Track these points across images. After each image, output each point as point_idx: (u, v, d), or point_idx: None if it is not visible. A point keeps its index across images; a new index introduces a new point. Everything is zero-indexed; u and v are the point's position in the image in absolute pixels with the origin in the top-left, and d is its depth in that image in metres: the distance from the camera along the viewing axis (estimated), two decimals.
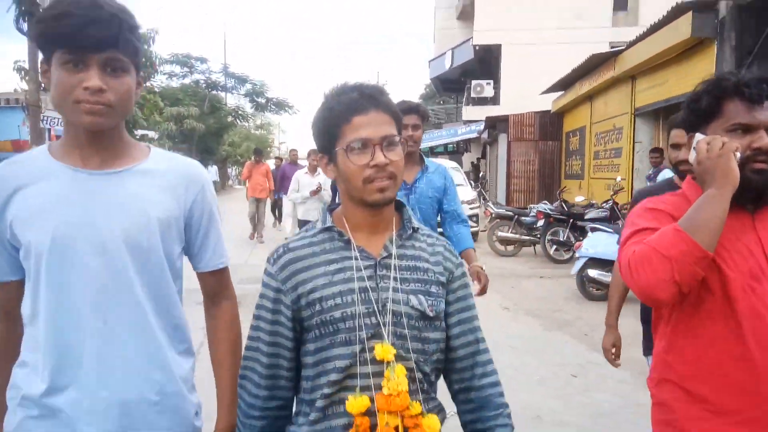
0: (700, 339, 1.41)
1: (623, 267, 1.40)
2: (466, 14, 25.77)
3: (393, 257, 1.26)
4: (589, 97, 12.42)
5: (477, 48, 23.03)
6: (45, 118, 13.11)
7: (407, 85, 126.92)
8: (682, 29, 7.34)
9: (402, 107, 2.53)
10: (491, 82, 22.94)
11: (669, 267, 1.29)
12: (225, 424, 1.39)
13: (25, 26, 11.39)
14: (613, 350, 2.48)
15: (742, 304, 1.35)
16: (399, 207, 1.35)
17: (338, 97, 1.26)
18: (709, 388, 1.39)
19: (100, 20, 1.15)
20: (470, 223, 9.91)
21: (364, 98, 1.23)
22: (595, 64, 10.79)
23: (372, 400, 1.16)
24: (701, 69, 7.35)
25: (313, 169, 7.41)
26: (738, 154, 1.34)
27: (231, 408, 1.38)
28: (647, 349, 2.48)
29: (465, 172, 17.93)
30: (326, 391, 1.20)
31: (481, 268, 2.91)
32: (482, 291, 2.88)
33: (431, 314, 1.24)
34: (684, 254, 1.28)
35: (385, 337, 1.20)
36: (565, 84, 13.51)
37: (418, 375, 1.22)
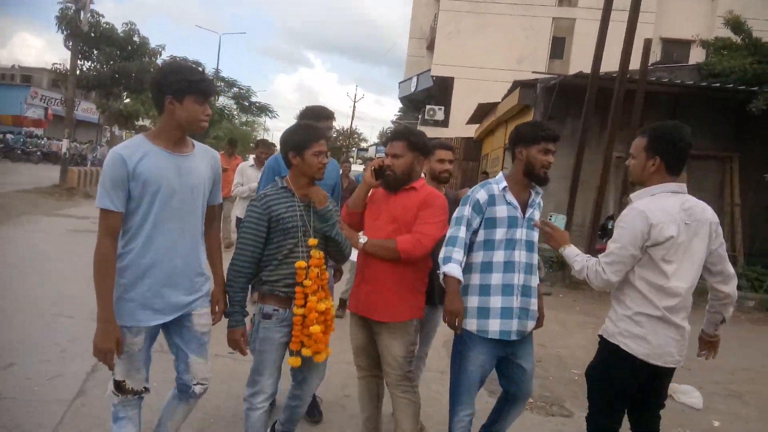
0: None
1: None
2: (433, 46, 29.49)
3: (312, 201, 2.55)
4: (491, 131, 16.35)
5: (434, 78, 26.91)
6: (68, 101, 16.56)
7: (387, 100, 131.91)
8: (515, 98, 11.27)
9: (327, 113, 3.31)
10: (442, 107, 26.70)
11: (349, 220, 2.82)
12: (220, 279, 2.49)
13: (70, 44, 15.03)
14: None
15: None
16: None
17: (315, 124, 2.66)
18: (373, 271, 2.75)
19: (211, 81, 2.25)
20: None
21: (322, 132, 2.57)
22: (487, 109, 14.74)
23: (306, 262, 2.46)
24: None
25: (261, 163, 7.06)
26: (375, 168, 2.75)
27: (221, 273, 2.50)
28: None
29: None
30: (280, 257, 2.46)
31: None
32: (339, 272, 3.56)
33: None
34: (349, 215, 2.85)
35: (312, 235, 2.50)
36: (478, 117, 17.42)
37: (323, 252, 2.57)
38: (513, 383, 2.73)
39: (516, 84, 11.23)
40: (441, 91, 27.81)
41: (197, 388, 2.38)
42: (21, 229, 9.19)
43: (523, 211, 2.60)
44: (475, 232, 2.60)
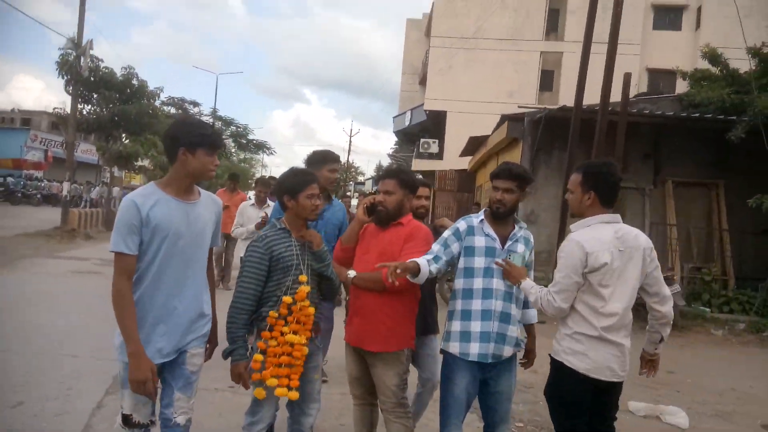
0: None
1: None
2: (425, 82, 29.96)
3: (307, 242, 2.76)
4: (484, 163, 16.69)
5: (428, 112, 27.39)
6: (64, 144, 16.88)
7: (383, 134, 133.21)
8: (504, 132, 11.61)
9: (333, 156, 3.66)
10: (437, 141, 27.05)
11: (342, 255, 3.05)
12: (214, 318, 2.59)
13: (70, 89, 15.45)
14: None
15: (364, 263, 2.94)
16: None
17: (309, 171, 2.91)
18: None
19: (220, 135, 2.83)
20: None
21: (314, 176, 2.80)
22: (479, 142, 15.11)
23: (292, 297, 2.61)
24: (516, 154, 11.59)
25: (261, 202, 7.25)
26: (367, 206, 2.96)
27: (215, 311, 2.60)
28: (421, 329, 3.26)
29: None
30: (279, 294, 2.62)
31: (346, 297, 3.68)
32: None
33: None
34: (343, 250, 3.06)
35: (304, 272, 2.68)
36: (471, 150, 17.78)
37: (315, 289, 2.76)
38: (487, 407, 2.88)
39: (504, 118, 11.59)
40: (435, 124, 28.22)
41: (179, 419, 2.43)
42: (26, 272, 9.34)
43: (503, 243, 2.79)
44: (457, 260, 2.82)
